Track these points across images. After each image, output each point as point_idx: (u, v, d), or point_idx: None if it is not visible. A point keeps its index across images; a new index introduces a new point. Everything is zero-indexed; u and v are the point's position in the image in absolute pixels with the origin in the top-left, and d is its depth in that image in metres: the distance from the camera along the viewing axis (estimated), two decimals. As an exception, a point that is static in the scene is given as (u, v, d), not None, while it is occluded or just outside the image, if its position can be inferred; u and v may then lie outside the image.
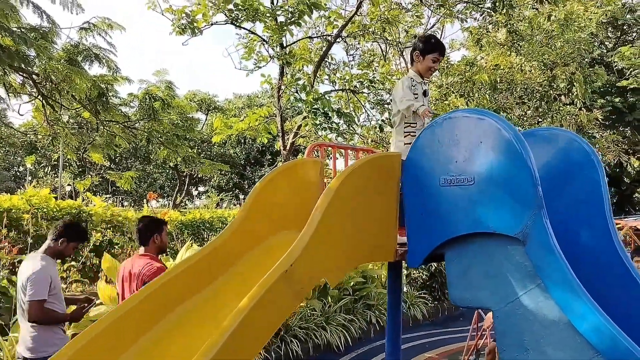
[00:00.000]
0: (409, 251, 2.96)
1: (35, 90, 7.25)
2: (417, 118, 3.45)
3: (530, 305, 2.39)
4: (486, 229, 2.56)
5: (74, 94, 6.74)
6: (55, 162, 28.08)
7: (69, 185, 29.07)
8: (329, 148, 4.28)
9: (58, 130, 7.34)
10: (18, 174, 50.26)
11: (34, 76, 6.83)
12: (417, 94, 3.50)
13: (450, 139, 2.77)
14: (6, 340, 4.65)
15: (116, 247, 8.18)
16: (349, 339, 6.94)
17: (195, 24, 8.51)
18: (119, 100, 8.75)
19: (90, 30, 6.39)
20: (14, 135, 32.99)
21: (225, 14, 8.72)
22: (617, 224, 9.84)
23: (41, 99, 7.12)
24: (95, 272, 7.75)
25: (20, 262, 5.93)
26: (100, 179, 26.61)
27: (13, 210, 7.06)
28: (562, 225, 3.01)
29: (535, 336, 2.37)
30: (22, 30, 5.25)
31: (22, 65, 5.54)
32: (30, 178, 43.35)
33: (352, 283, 7.90)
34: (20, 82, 7.44)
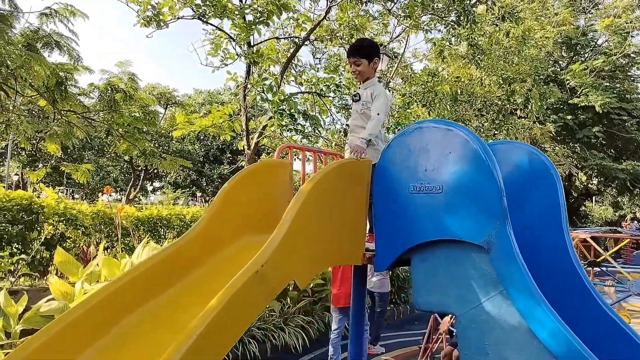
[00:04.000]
0: (376, 255, 3.02)
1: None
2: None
3: (492, 311, 2.49)
4: (452, 236, 2.65)
5: (31, 80, 6.47)
6: (3, 150, 26.78)
7: (16, 175, 27.80)
8: (298, 150, 4.29)
9: (12, 117, 7.02)
10: (-40, 160, 47.67)
11: (-13, 60, 6.50)
12: None
13: (420, 148, 2.85)
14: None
15: (68, 241, 7.90)
16: (307, 341, 6.96)
17: (161, 17, 8.35)
18: (78, 90, 8.46)
19: (52, 16, 6.15)
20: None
21: (192, 9, 8.60)
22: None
23: (-6, 84, 6.80)
24: (45, 265, 7.46)
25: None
26: (51, 170, 25.55)
27: (-41, 200, 6.70)
28: (523, 235, 3.15)
29: (496, 341, 2.47)
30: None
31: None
32: (-27, 166, 41.15)
33: (311, 285, 7.92)
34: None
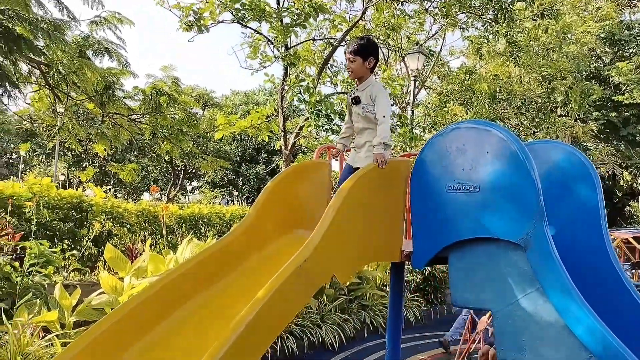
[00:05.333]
0: (414, 253, 3.11)
1: (41, 79, 7.32)
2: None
3: (528, 307, 2.54)
4: (489, 235, 2.71)
5: (81, 85, 6.83)
6: (50, 151, 27.99)
7: (62, 174, 29.00)
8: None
9: (65, 120, 7.42)
10: (11, 160, 49.99)
11: (42, 66, 6.90)
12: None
13: (458, 148, 2.92)
14: (11, 324, 4.72)
15: (115, 238, 8.26)
16: (344, 338, 7.05)
17: (202, 22, 8.61)
18: (123, 94, 8.84)
19: (101, 24, 6.49)
20: (9, 122, 32.82)
21: (232, 13, 8.83)
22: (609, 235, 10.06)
23: (48, 88, 7.20)
24: (94, 261, 7.83)
25: (22, 248, 6.02)
26: (97, 170, 26.56)
27: (15, 197, 7.11)
28: (561, 233, 3.17)
29: (532, 337, 2.52)
30: (36, 21, 5.34)
31: (34, 55, 5.64)
32: (23, 166, 43.12)
33: (347, 283, 8.02)
34: (27, 71, 7.50)
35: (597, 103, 19.39)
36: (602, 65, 21.12)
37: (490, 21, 10.62)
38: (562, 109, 14.90)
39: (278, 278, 2.35)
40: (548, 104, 13.31)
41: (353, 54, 3.34)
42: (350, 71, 3.42)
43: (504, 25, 10.32)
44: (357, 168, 3.25)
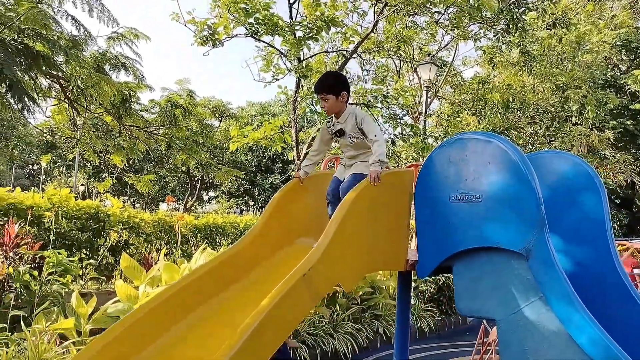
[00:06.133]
0: (418, 262, 3.15)
1: (61, 94, 7.54)
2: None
3: (532, 316, 2.57)
4: (492, 244, 2.75)
5: (99, 99, 7.03)
6: (70, 162, 28.56)
7: (82, 185, 29.52)
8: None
9: (83, 133, 7.64)
10: (32, 172, 51.07)
11: (61, 81, 7.12)
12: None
13: (461, 158, 2.97)
14: (29, 331, 4.86)
15: (131, 247, 8.42)
16: (356, 348, 7.07)
17: (216, 36, 8.80)
18: (140, 107, 9.06)
19: (118, 40, 6.71)
20: (31, 134, 33.60)
21: (245, 27, 9.01)
22: (622, 245, 9.89)
23: (67, 102, 7.42)
24: (110, 270, 7.99)
25: (41, 257, 6.18)
26: (115, 180, 27.01)
27: (34, 208, 7.31)
28: (566, 243, 3.19)
29: (535, 345, 2.54)
30: (55, 38, 5.55)
31: (53, 71, 5.84)
32: (44, 177, 44.00)
33: (360, 292, 8.03)
34: (47, 85, 7.74)
35: (614, 111, 19.17)
36: (618, 74, 20.90)
37: (502, 32, 10.65)
38: (577, 118, 14.78)
39: (283, 286, 2.42)
40: (562, 112, 13.21)
41: (325, 93, 3.34)
42: (326, 110, 3.42)
43: (516, 35, 10.33)
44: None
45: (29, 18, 4.61)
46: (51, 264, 5.97)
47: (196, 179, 29.24)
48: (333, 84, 3.38)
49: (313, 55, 10.22)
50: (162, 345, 2.66)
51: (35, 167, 49.23)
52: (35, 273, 5.73)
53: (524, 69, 11.70)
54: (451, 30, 9.71)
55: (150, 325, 2.65)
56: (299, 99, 9.22)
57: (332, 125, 3.44)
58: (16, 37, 4.70)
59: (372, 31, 9.68)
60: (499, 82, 12.54)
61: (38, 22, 4.69)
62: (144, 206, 33.71)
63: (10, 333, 5.01)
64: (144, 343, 2.61)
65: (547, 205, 2.70)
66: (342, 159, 3.57)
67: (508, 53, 13.06)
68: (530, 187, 2.63)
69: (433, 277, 9.81)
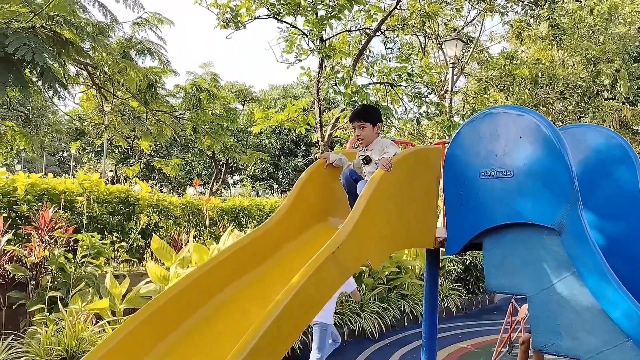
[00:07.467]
0: (447, 239, 3.13)
1: (89, 80, 7.67)
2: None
3: (564, 292, 2.53)
4: (524, 220, 2.71)
5: (125, 85, 7.12)
6: (99, 148, 29.15)
7: (111, 171, 30.13)
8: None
9: (111, 119, 7.77)
10: (62, 159, 52.35)
11: (89, 67, 7.23)
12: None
13: (491, 134, 2.91)
14: (66, 311, 5.03)
15: (161, 230, 8.58)
16: (383, 327, 7.12)
17: (239, 18, 8.78)
18: (165, 92, 9.14)
19: (143, 25, 6.75)
20: (60, 122, 34.33)
21: (267, 9, 8.96)
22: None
23: (95, 88, 7.55)
24: (141, 253, 8.17)
25: (75, 241, 6.36)
26: (143, 165, 27.50)
27: (67, 193, 7.49)
28: (599, 218, 3.12)
29: (568, 321, 2.51)
30: (83, 25, 5.61)
31: (80, 58, 5.93)
32: (74, 163, 45.07)
33: (386, 272, 8.06)
34: (75, 72, 7.87)
35: (648, 85, 18.50)
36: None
37: (530, 4, 10.33)
38: (609, 92, 14.31)
39: (312, 264, 2.44)
40: (594, 87, 12.81)
41: (364, 121, 3.36)
42: (361, 138, 3.39)
43: (545, 7, 10.01)
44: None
45: (57, 5, 4.68)
46: (85, 247, 6.14)
47: (221, 163, 29.52)
48: (372, 114, 3.42)
49: (335, 35, 10.11)
50: (200, 318, 2.72)
51: (65, 154, 50.44)
52: (70, 256, 5.90)
53: (553, 42, 11.36)
54: (477, 3, 9.46)
55: (181, 305, 2.70)
56: (322, 80, 9.16)
57: (362, 152, 3.45)
58: (44, 24, 4.78)
59: (395, 7, 9.51)
60: (527, 57, 12.20)
61: (66, 8, 4.75)
62: (171, 190, 34.28)
63: (48, 313, 5.21)
64: (175, 323, 2.66)
65: (580, 180, 2.63)
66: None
67: (536, 27, 12.66)
68: (564, 161, 2.57)
69: (460, 257, 9.76)
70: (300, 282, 2.35)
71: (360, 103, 8.79)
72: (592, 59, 12.48)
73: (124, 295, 5.72)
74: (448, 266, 9.68)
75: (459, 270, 9.84)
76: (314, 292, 2.45)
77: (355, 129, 3.42)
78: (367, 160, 3.35)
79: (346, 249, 2.56)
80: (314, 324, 4.99)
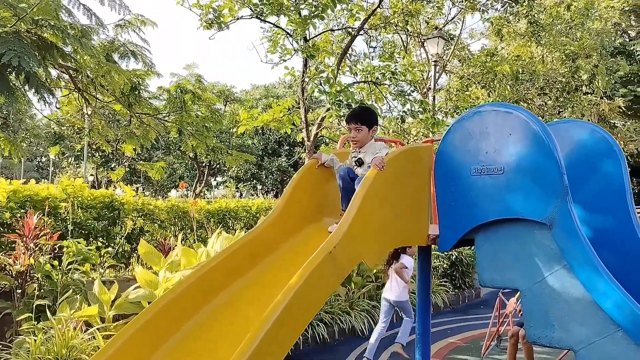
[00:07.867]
0: (440, 236, 3.17)
1: (70, 84, 7.55)
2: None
3: (556, 285, 2.59)
4: (515, 215, 2.76)
5: (108, 88, 7.03)
6: (79, 153, 28.70)
7: (91, 175, 29.69)
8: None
9: (94, 122, 7.66)
10: (41, 164, 51.42)
11: (70, 71, 7.12)
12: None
13: (481, 131, 2.96)
14: (55, 319, 4.96)
15: (147, 234, 8.50)
16: (373, 324, 7.15)
17: (221, 19, 8.74)
18: (149, 94, 9.05)
19: (125, 27, 6.67)
20: (38, 126, 33.71)
21: (250, 9, 8.93)
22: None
23: (77, 92, 7.43)
24: (127, 258, 8.08)
25: (60, 247, 6.27)
26: (127, 169, 27.17)
27: (50, 199, 7.37)
28: (586, 212, 3.19)
29: (560, 314, 2.57)
30: (64, 27, 5.52)
31: (65, 62, 5.84)
32: (53, 168, 44.30)
33: (374, 270, 8.10)
34: (56, 76, 7.74)
35: (624, 79, 18.91)
36: (627, 40, 20.56)
37: (509, 1, 10.47)
38: (588, 87, 14.60)
39: (310, 264, 2.45)
40: (572, 82, 13.05)
41: (360, 123, 3.33)
42: (356, 140, 3.36)
43: (524, 5, 10.16)
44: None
45: (41, 8, 4.59)
46: (71, 253, 6.04)
47: (204, 164, 29.33)
48: (368, 117, 3.39)
49: (319, 34, 10.12)
50: (194, 325, 2.68)
51: (44, 159, 49.56)
52: (56, 263, 5.81)
53: (532, 39, 11.54)
54: (458, 1, 9.56)
55: (176, 312, 2.67)
56: (307, 80, 9.17)
57: (355, 154, 3.43)
58: (28, 28, 4.70)
59: (378, 6, 9.56)
60: (507, 53, 12.37)
61: (50, 12, 4.66)
62: (153, 194, 33.94)
63: (36, 322, 5.12)
64: (170, 331, 2.63)
65: (567, 175, 2.69)
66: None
67: (516, 24, 12.85)
68: (553, 156, 2.63)
69: (446, 253, 9.86)
70: (299, 283, 2.36)
71: (345, 102, 8.83)
72: (571, 54, 12.72)
73: (113, 302, 5.66)
74: (435, 262, 9.78)
75: (445, 266, 9.95)
76: (312, 292, 2.46)
77: (351, 130, 3.40)
78: (360, 163, 3.35)
79: (343, 249, 2.58)
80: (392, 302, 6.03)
